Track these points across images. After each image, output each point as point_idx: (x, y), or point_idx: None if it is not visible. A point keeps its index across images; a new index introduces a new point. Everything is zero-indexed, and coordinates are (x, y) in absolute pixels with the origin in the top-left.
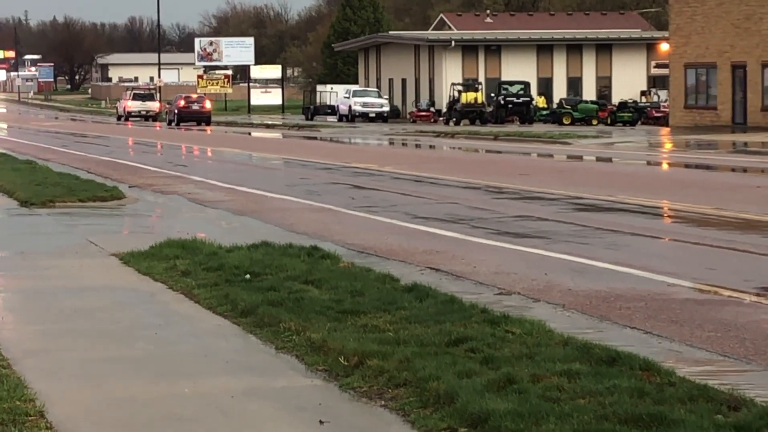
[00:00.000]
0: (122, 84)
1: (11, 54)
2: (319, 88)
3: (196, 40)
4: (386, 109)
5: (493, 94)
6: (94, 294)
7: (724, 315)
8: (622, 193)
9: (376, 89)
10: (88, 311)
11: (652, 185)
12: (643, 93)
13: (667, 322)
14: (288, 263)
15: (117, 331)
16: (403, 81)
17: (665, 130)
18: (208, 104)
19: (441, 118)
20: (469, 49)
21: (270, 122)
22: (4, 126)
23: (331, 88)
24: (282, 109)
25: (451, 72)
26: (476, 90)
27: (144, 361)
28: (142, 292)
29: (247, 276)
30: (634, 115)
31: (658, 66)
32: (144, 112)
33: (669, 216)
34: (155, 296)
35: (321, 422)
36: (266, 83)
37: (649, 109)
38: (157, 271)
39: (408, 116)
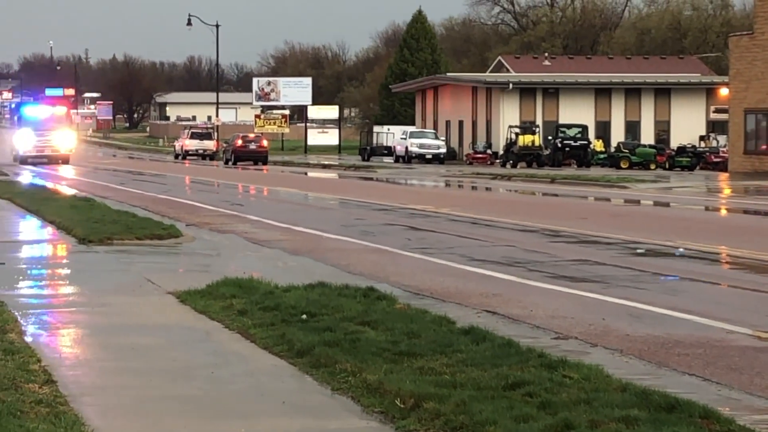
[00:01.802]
0: (180, 123)
1: (71, 92)
2: (376, 128)
3: (254, 80)
4: (443, 150)
5: (550, 137)
6: (150, 332)
7: None
8: (680, 238)
9: (433, 131)
10: (145, 349)
11: (711, 231)
12: (701, 138)
13: (726, 369)
14: (344, 304)
15: (173, 370)
16: (460, 123)
17: (724, 176)
18: (265, 144)
19: (498, 161)
20: (526, 91)
21: (326, 162)
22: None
23: (388, 129)
24: (338, 149)
25: (508, 114)
26: (533, 133)
27: (200, 400)
28: (198, 330)
29: (304, 316)
30: (693, 160)
31: (717, 111)
32: (201, 151)
33: (727, 262)
34: (211, 335)
35: None
36: (323, 123)
37: (707, 154)
38: (214, 310)
39: (464, 158)
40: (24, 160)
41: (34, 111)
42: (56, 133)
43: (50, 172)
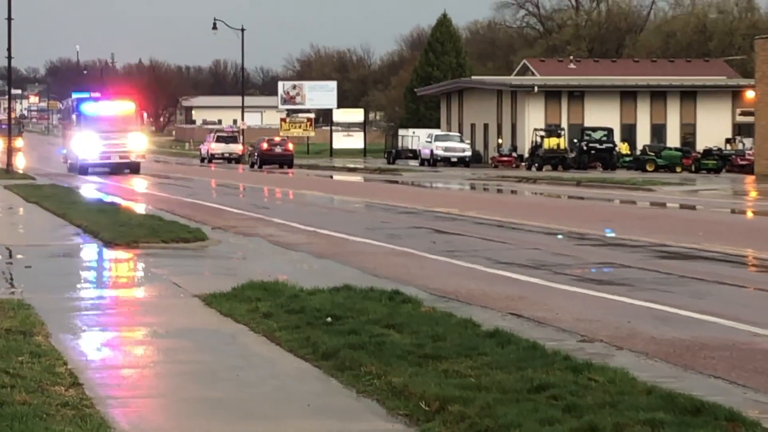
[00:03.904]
0: (206, 126)
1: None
2: (401, 132)
3: (280, 84)
4: (468, 153)
5: (575, 140)
6: (176, 335)
7: None
8: (706, 241)
9: (458, 134)
10: (171, 352)
11: (737, 233)
12: (727, 140)
13: (753, 372)
14: (369, 307)
15: (199, 372)
16: (485, 126)
17: (750, 178)
18: (290, 147)
19: (523, 164)
20: (552, 94)
21: (352, 165)
22: None
23: (413, 133)
24: (364, 152)
25: (533, 117)
26: (559, 136)
27: (225, 402)
28: (223, 333)
29: (329, 319)
30: (719, 162)
31: (743, 113)
32: (227, 155)
33: (754, 265)
34: (237, 338)
35: None
36: (348, 127)
37: (733, 156)
38: (239, 313)
39: (490, 161)
40: (84, 170)
41: (96, 109)
42: (125, 137)
43: (79, 176)
